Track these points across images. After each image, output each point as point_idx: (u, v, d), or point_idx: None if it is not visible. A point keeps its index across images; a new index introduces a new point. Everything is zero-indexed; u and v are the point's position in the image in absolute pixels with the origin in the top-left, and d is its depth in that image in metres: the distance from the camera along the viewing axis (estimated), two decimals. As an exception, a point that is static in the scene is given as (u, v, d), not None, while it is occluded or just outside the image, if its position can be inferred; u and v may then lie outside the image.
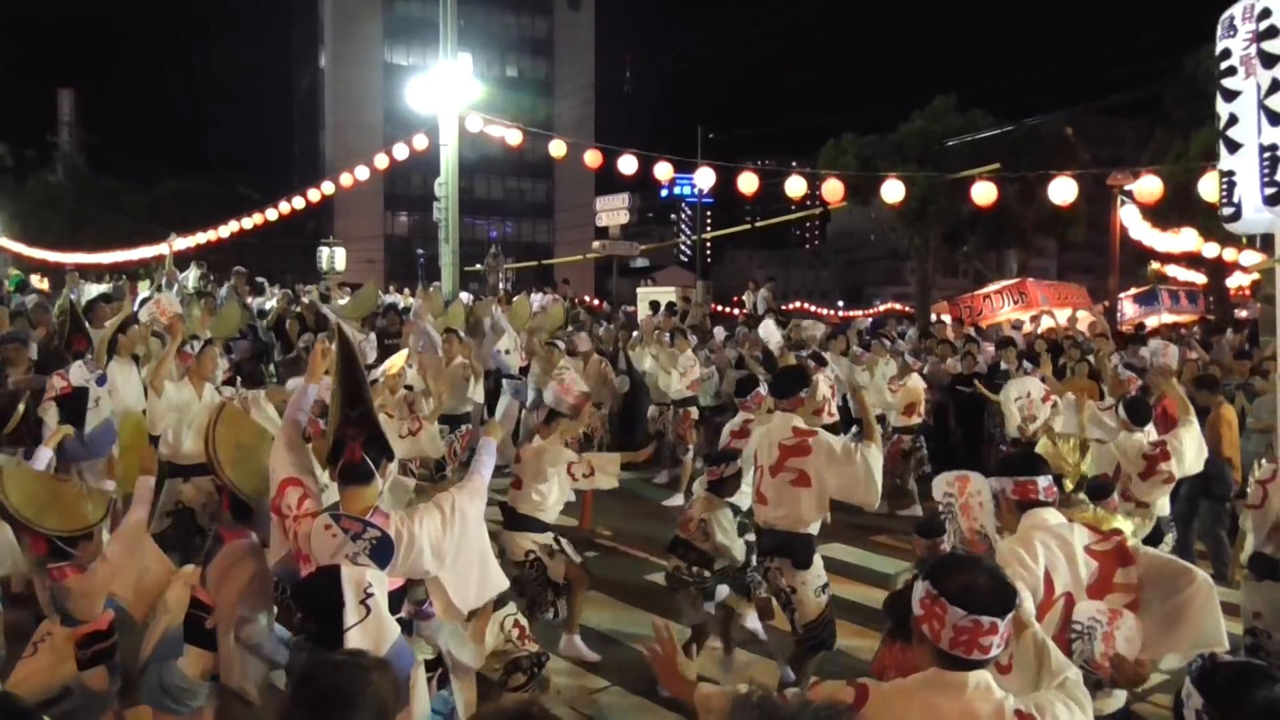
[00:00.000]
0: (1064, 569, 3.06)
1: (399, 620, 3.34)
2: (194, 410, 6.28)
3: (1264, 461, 6.05)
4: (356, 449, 3.12)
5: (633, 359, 10.69)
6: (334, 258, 21.21)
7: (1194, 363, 10.41)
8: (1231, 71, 5.05)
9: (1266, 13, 4.73)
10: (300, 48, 64.54)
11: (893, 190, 14.39)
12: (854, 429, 8.88)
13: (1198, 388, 7.83)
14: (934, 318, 20.36)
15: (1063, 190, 13.08)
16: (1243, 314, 22.31)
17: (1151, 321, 19.16)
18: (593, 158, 16.10)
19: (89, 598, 3.44)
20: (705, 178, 15.39)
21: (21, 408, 5.72)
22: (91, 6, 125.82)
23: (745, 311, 18.90)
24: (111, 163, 41.35)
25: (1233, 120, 5.09)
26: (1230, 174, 5.20)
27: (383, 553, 3.03)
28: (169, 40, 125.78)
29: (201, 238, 22.66)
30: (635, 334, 11.97)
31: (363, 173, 19.31)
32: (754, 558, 5.20)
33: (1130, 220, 19.32)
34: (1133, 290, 21.58)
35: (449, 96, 16.86)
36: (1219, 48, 5.12)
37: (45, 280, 22.47)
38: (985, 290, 20.28)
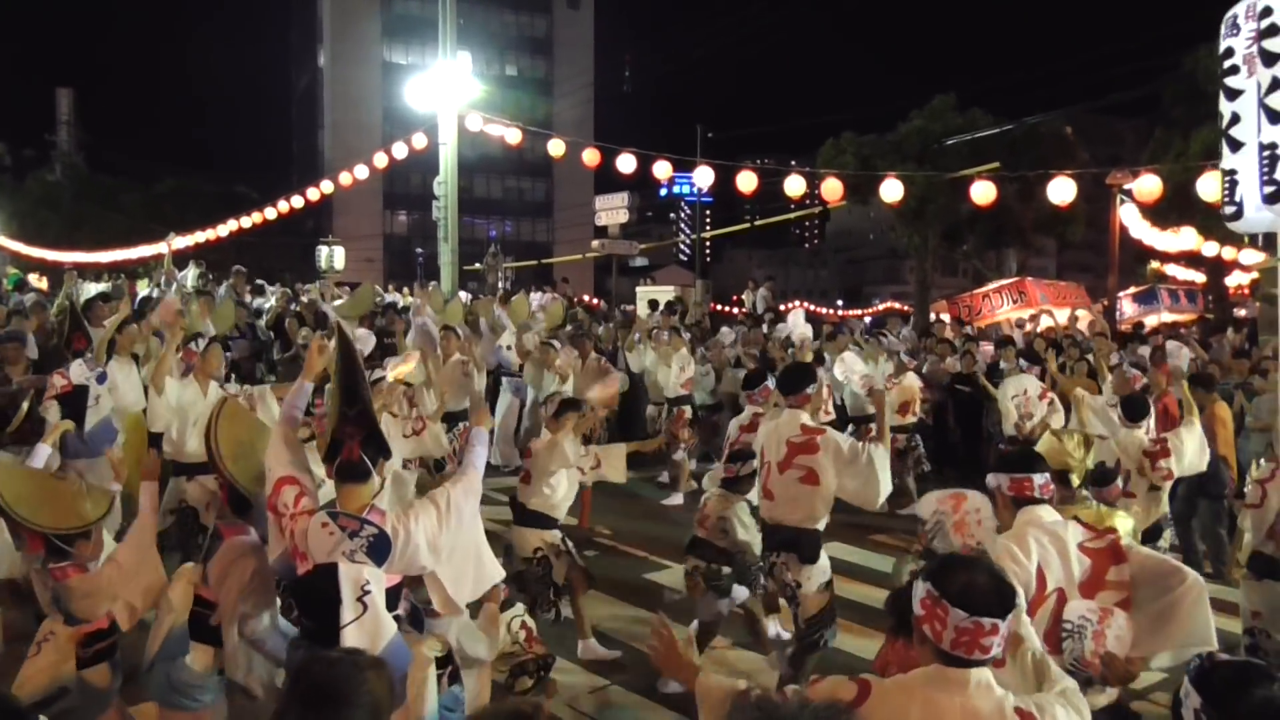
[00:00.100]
0: (1057, 565, 3.09)
1: (412, 617, 3.39)
2: (199, 409, 6.26)
3: (1262, 461, 6.09)
4: (354, 448, 3.13)
5: (630, 358, 10.69)
6: (333, 257, 21.21)
7: (1193, 361, 10.43)
8: (1234, 70, 5.05)
9: (1268, 11, 4.73)
10: (299, 46, 64.50)
11: (891, 189, 14.39)
12: (849, 427, 8.89)
13: (1193, 386, 7.85)
14: (933, 317, 20.36)
15: (1062, 190, 13.08)
16: (1241, 313, 22.31)
17: (1151, 320, 19.17)
18: (591, 156, 16.09)
19: (92, 598, 3.45)
20: (704, 177, 15.38)
21: (25, 406, 5.73)
22: (90, 6, 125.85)
23: (745, 311, 18.90)
24: (110, 162, 41.39)
25: (1235, 119, 5.09)
26: (1232, 173, 5.20)
27: (380, 550, 3.04)
28: (167, 39, 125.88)
29: (200, 237, 22.66)
30: (636, 334, 11.96)
31: (362, 172, 19.30)
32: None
33: (1129, 219, 19.32)
34: (1132, 289, 21.59)
35: (448, 95, 16.85)
36: (1222, 46, 5.12)
37: (43, 279, 22.44)
38: (984, 289, 20.29)
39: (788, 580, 4.84)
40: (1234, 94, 4.97)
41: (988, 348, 12.42)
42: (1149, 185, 13.61)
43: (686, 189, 53.13)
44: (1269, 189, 4.77)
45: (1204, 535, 7.74)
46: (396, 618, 3.19)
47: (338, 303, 12.59)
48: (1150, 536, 5.61)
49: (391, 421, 6.00)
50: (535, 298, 17.40)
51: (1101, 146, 38.84)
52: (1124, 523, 4.44)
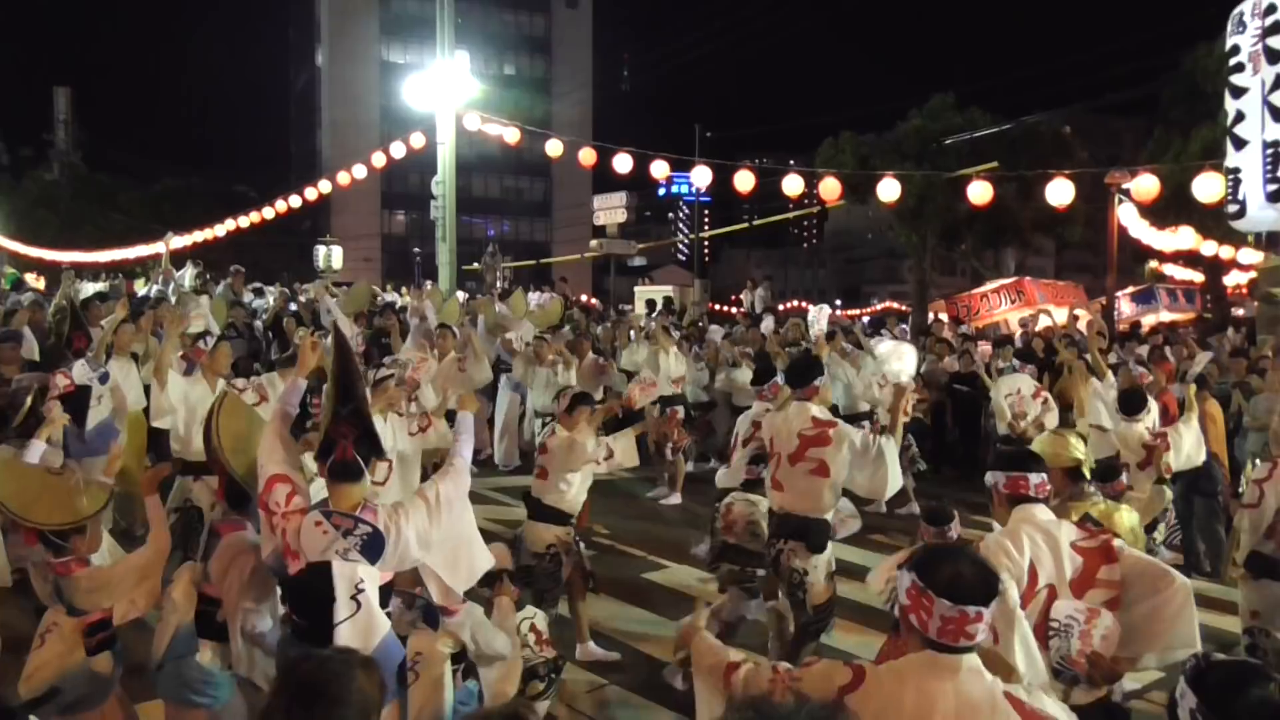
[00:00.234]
0: (1049, 562, 3.15)
1: (426, 614, 3.41)
2: (207, 407, 6.27)
3: (1257, 461, 6.13)
4: (348, 447, 3.14)
5: (624, 357, 10.71)
6: (331, 256, 21.21)
7: (1189, 360, 10.43)
8: (1240, 68, 5.06)
9: (1273, 8, 4.73)
10: (297, 45, 64.47)
11: (889, 189, 14.39)
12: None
13: (1184, 384, 7.92)
14: (931, 316, 20.37)
15: (1060, 192, 13.10)
16: (1239, 312, 22.32)
17: (1149, 320, 19.18)
18: (588, 156, 16.09)
19: (97, 593, 3.47)
20: (702, 176, 15.40)
21: (29, 401, 5.76)
22: (88, 5, 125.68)
23: (743, 311, 18.90)
24: (108, 161, 41.32)
25: (1239, 117, 5.10)
26: (1236, 171, 5.21)
27: (373, 548, 3.04)
28: (165, 38, 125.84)
29: (198, 236, 22.66)
30: (630, 332, 11.97)
31: (360, 171, 19.30)
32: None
33: (1128, 219, 19.33)
34: (1130, 289, 21.60)
35: (446, 95, 16.86)
36: (1228, 44, 5.14)
37: (41, 279, 22.42)
38: (982, 289, 20.30)
39: (795, 567, 4.89)
40: (1239, 91, 4.98)
41: (986, 347, 12.43)
42: (1147, 185, 13.63)
43: (685, 188, 53.17)
44: (1272, 187, 4.78)
45: (1200, 533, 7.75)
46: (389, 614, 3.20)
47: (334, 300, 12.56)
48: (1146, 530, 5.65)
49: (397, 420, 6.02)
50: (533, 297, 17.41)
51: (1100, 146, 38.85)
52: (1129, 516, 4.51)
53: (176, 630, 3.51)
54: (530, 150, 34.25)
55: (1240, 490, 6.31)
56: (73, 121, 42.17)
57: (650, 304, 17.10)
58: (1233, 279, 23.54)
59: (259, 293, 15.33)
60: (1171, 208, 18.25)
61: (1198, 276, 24.18)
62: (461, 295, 16.19)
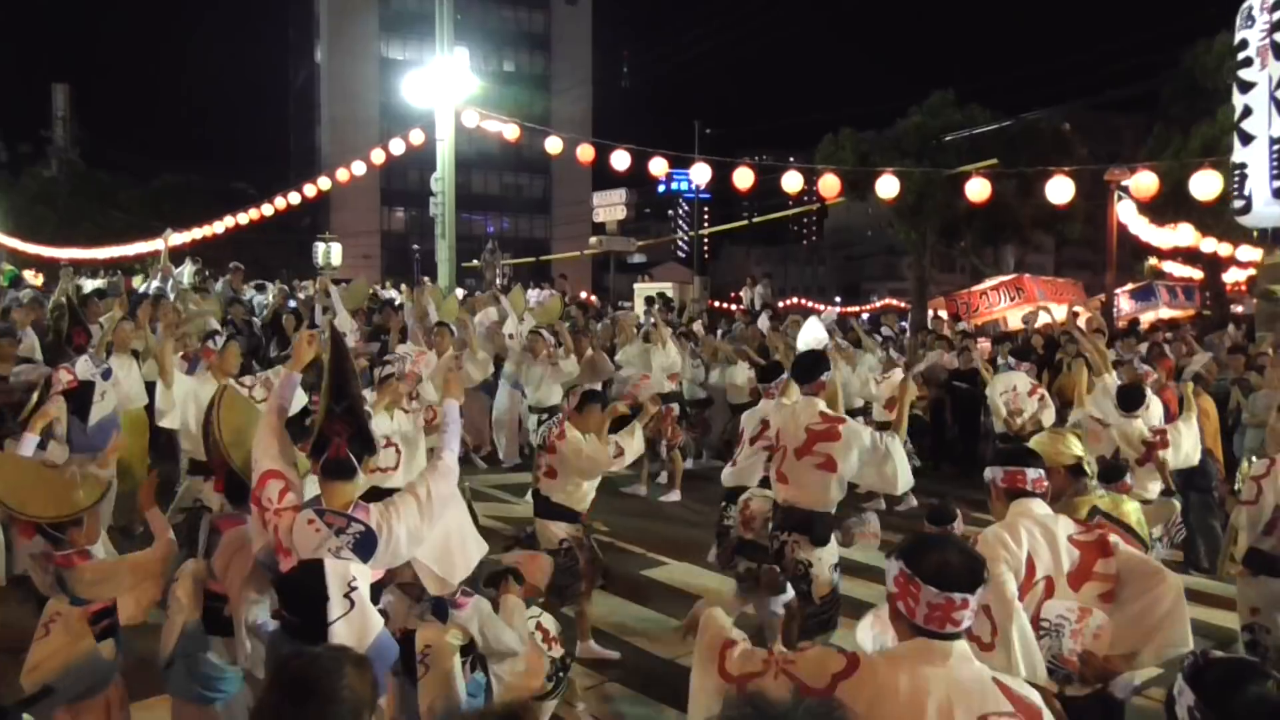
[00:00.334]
0: (1046, 555, 3.20)
1: (435, 607, 3.42)
2: None
3: (1254, 458, 6.16)
4: (341, 445, 3.14)
5: (620, 354, 10.72)
6: (330, 253, 21.21)
7: (1188, 357, 10.44)
8: (1248, 63, 5.04)
9: (1279, 4, 4.72)
10: (296, 42, 64.43)
11: (888, 186, 14.38)
12: None
13: (1179, 379, 7.95)
14: (931, 313, 20.37)
15: (1060, 189, 13.09)
16: (1239, 309, 22.33)
17: (1148, 316, 19.19)
18: (585, 153, 16.07)
19: (100, 585, 3.48)
20: (702, 173, 15.38)
21: (36, 396, 5.80)
22: (87, 1, 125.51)
23: (743, 308, 18.90)
24: (106, 158, 41.25)
25: (1247, 112, 5.08)
26: (1242, 166, 5.19)
27: (366, 546, 3.04)
28: (164, 35, 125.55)
29: (197, 233, 22.61)
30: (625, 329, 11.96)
31: (359, 168, 19.27)
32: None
33: (1127, 216, 19.33)
34: (1129, 285, 21.62)
35: (445, 91, 16.83)
36: (1236, 38, 5.12)
37: (39, 276, 22.41)
38: (982, 286, 20.32)
39: (799, 559, 4.93)
40: (1246, 86, 4.96)
41: (985, 344, 12.44)
42: (1146, 181, 13.62)
43: (684, 185, 53.20)
44: (1279, 183, 4.75)
45: (1196, 529, 7.78)
46: (382, 611, 3.21)
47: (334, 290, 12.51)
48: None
49: (403, 416, 6.04)
50: (533, 294, 17.40)
51: (1100, 143, 38.81)
52: (1134, 508, 4.57)
53: (184, 629, 3.52)
54: (530, 147, 34.21)
55: (1237, 487, 6.34)
56: (71, 118, 42.08)
57: (649, 300, 17.08)
58: (1232, 276, 23.55)
59: (261, 289, 15.33)
60: (1171, 204, 18.24)
61: (1197, 274, 24.18)
62: (460, 292, 16.18)
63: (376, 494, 3.46)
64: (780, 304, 24.56)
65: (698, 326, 13.61)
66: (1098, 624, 3.13)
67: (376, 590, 3.21)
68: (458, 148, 17.29)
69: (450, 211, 17.19)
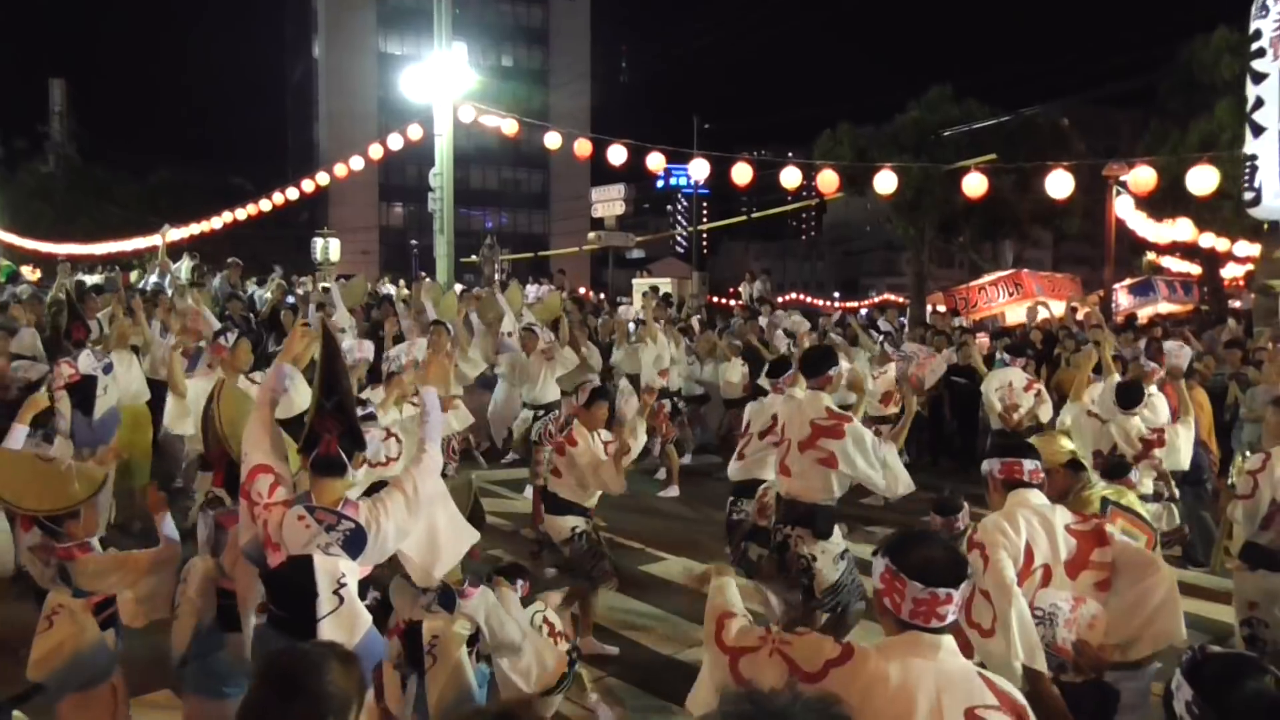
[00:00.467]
0: (1044, 543, 3.26)
1: (443, 597, 3.44)
2: None
3: (1249, 453, 6.18)
4: (333, 443, 3.14)
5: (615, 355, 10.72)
6: (328, 249, 21.16)
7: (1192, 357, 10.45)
8: (1260, 54, 5.03)
9: (1296, -8, 4.70)
10: (294, 37, 64.29)
11: (886, 181, 14.36)
12: None
13: (1172, 375, 7.97)
14: (929, 308, 20.38)
15: (1060, 184, 13.08)
16: (1236, 304, 22.35)
17: (1147, 311, 19.20)
18: (583, 148, 16.04)
19: (102, 577, 3.49)
20: (700, 169, 15.37)
21: (44, 391, 5.82)
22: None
23: (741, 304, 18.90)
24: (104, 153, 41.22)
25: (1259, 103, 5.07)
26: (1253, 158, 5.18)
27: (356, 543, 3.05)
28: (161, 29, 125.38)
29: (195, 229, 22.56)
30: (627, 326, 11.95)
31: (357, 163, 19.25)
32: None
33: (1125, 211, 19.34)
34: (1128, 281, 21.63)
35: (444, 86, 16.80)
36: (1251, 28, 5.10)
37: (36, 271, 22.38)
38: (980, 281, 20.33)
39: (802, 553, 4.96)
40: (1259, 77, 4.95)
41: (984, 339, 12.44)
42: (1144, 176, 13.62)
43: (683, 181, 53.14)
44: (1290, 176, 4.75)
45: (1188, 519, 7.81)
46: (370, 607, 3.21)
47: (329, 284, 12.50)
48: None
49: (410, 411, 6.04)
50: (531, 290, 17.38)
51: (1098, 138, 38.85)
52: (1134, 498, 4.61)
53: (198, 627, 3.53)
54: (528, 142, 34.20)
55: (1231, 481, 6.37)
56: (68, 114, 42.04)
57: (647, 295, 17.07)
58: (1229, 271, 23.57)
59: (262, 283, 15.33)
60: (1169, 200, 18.25)
61: (1194, 269, 24.20)
62: (458, 288, 16.17)
63: (379, 487, 3.47)
64: (779, 299, 24.52)
65: (694, 322, 13.61)
66: (1092, 613, 3.18)
67: (364, 587, 3.21)
68: (456, 143, 17.27)
69: (449, 207, 17.16)
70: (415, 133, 17.45)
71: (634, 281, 24.12)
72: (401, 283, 19.73)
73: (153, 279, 15.45)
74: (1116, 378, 6.87)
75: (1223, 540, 6.73)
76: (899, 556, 2.18)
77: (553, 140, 16.80)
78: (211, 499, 5.70)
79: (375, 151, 18.59)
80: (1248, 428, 8.24)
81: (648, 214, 70.87)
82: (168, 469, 8.06)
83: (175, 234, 20.42)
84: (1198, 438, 7.23)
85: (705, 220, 37.92)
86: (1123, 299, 20.13)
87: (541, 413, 9.03)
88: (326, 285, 13.29)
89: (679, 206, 78.77)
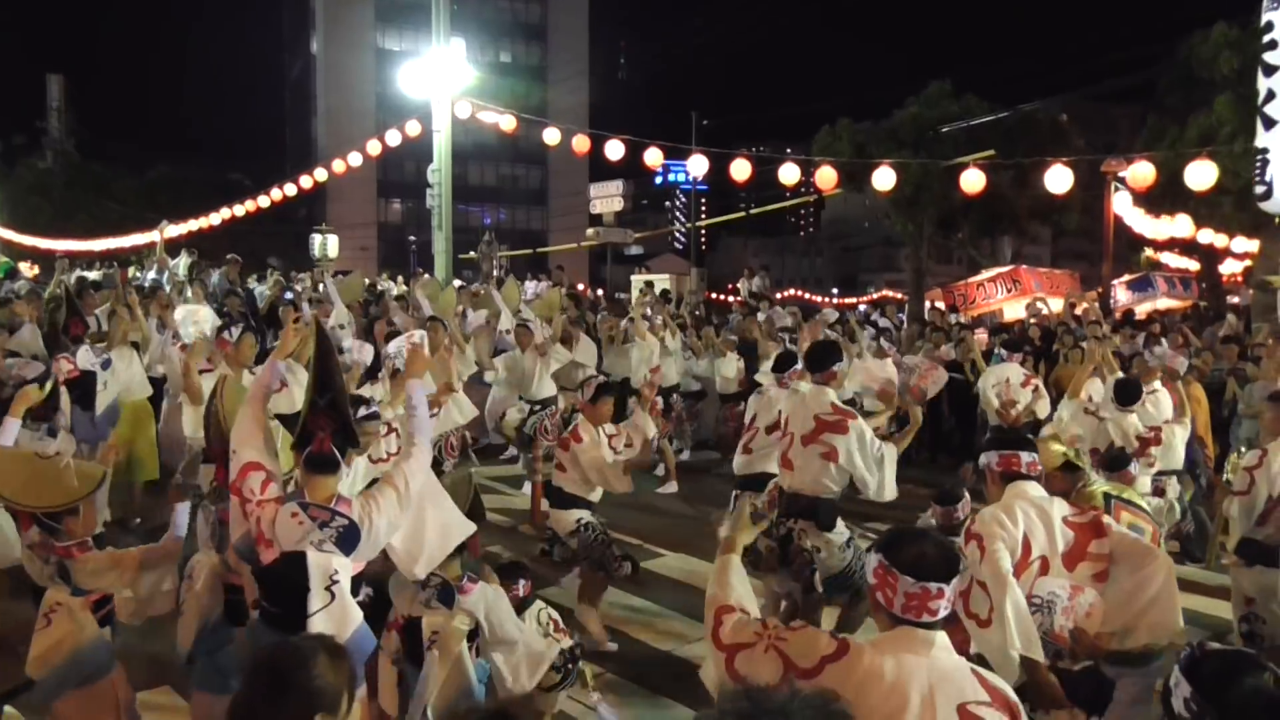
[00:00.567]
0: (1042, 535, 3.29)
1: (442, 593, 3.44)
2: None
3: (1243, 449, 6.21)
4: (326, 440, 3.15)
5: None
6: (327, 245, 21.16)
7: (1183, 348, 10.45)
8: (1272, 46, 5.02)
9: (1310, -15, 4.70)
10: (292, 32, 64.14)
11: (884, 177, 14.35)
12: None
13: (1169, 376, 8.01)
14: (928, 304, 20.38)
15: (1059, 179, 13.08)
16: (1235, 300, 22.36)
17: (1145, 307, 19.21)
18: (581, 143, 16.02)
19: (100, 575, 3.50)
20: (699, 165, 15.35)
21: (49, 385, 5.84)
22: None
23: (740, 299, 18.90)
24: (102, 149, 41.10)
25: (1270, 96, 5.07)
26: (1264, 151, 5.19)
27: (349, 540, 3.06)
28: (159, 26, 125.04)
29: (193, 225, 22.54)
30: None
31: (355, 159, 19.22)
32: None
33: (1122, 207, 19.33)
34: (1126, 277, 21.62)
35: (442, 82, 16.77)
36: (1263, 19, 5.10)
37: (34, 267, 22.34)
38: (978, 278, 20.31)
39: (806, 546, 5.01)
40: (1271, 70, 4.95)
41: (983, 335, 12.45)
42: (1143, 172, 13.62)
43: (681, 177, 53.09)
44: (1300, 170, 4.76)
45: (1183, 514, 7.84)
46: (361, 604, 3.23)
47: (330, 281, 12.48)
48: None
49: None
50: (530, 286, 17.36)
51: (1097, 134, 38.79)
52: (1133, 493, 4.67)
53: (205, 623, 3.54)
54: (527, 138, 34.15)
55: (1227, 477, 6.41)
56: (66, 109, 41.89)
57: (643, 290, 17.04)
58: (1228, 267, 23.57)
59: (262, 279, 15.31)
60: (1167, 195, 18.24)
61: (1193, 265, 24.20)
62: (456, 283, 16.16)
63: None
64: (778, 295, 24.51)
65: (686, 315, 13.57)
66: (1089, 601, 3.21)
67: (356, 583, 3.22)
68: (454, 139, 17.24)
69: (447, 203, 17.14)
70: (413, 129, 17.42)
71: (632, 278, 24.11)
72: (401, 279, 19.72)
73: (151, 275, 15.44)
74: (1120, 374, 6.89)
75: (1217, 535, 6.76)
76: (892, 552, 2.21)
77: (552, 136, 16.78)
78: (213, 494, 5.73)
79: (373, 147, 18.56)
80: (1246, 423, 8.25)
81: (646, 210, 70.84)
82: (168, 464, 8.07)
83: (173, 230, 20.38)
84: (1194, 433, 7.27)
85: (704, 216, 37.88)
86: (1121, 295, 20.13)
87: (538, 407, 9.03)
88: (320, 283, 13.27)
89: (677, 203, 78.67)
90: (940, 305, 18.83)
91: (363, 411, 4.59)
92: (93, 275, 16.51)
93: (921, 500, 7.08)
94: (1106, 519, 3.42)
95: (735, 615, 2.43)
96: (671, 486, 9.49)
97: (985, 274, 20.52)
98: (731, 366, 10.37)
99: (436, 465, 7.28)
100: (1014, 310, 17.33)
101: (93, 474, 3.70)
